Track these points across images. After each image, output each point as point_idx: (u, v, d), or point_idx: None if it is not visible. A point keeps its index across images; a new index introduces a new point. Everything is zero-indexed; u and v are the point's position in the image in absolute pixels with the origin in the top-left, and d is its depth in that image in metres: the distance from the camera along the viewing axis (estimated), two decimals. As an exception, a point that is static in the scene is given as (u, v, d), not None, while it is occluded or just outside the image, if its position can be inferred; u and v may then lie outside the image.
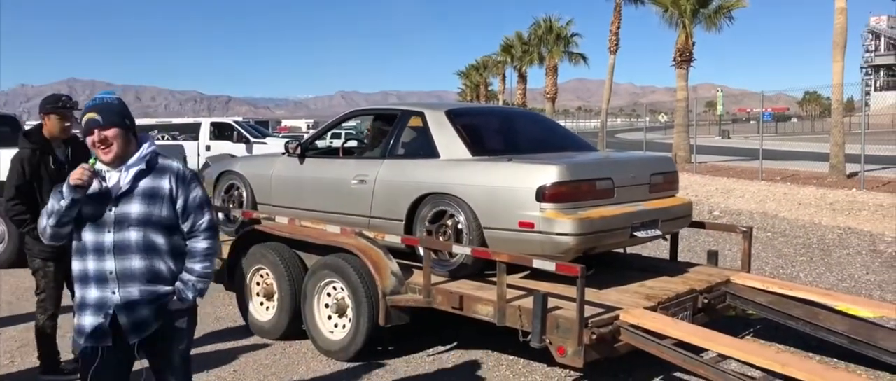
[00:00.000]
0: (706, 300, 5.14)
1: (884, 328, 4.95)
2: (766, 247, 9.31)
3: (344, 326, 5.32)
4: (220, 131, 21.44)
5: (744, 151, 28.63)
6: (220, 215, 6.83)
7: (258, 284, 5.96)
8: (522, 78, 44.00)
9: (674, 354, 4.18)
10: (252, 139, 20.94)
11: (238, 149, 19.81)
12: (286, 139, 24.22)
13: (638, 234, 4.98)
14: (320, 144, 7.05)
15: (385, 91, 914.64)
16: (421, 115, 5.65)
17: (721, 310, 5.33)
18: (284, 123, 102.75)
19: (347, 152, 6.42)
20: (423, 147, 5.52)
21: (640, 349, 4.36)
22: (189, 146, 20.41)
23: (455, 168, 5.16)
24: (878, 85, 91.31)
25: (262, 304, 5.94)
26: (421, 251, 5.13)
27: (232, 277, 6.12)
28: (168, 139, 23.06)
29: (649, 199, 5.26)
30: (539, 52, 39.61)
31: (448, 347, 5.55)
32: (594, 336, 4.25)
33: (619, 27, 29.89)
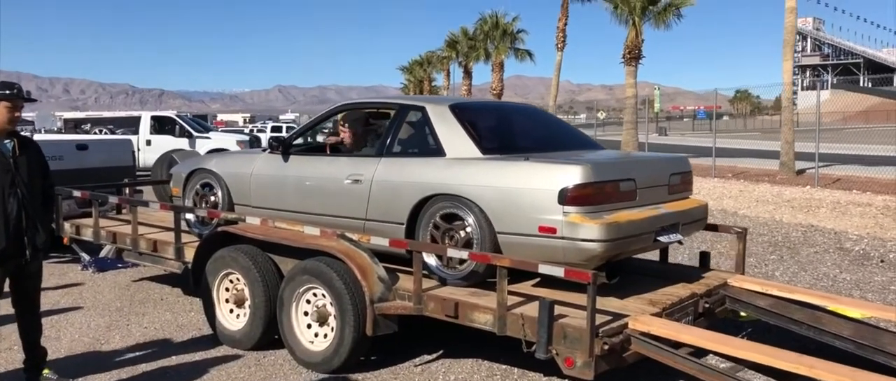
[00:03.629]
0: (707, 304, 4.95)
1: (889, 332, 4.84)
2: (733, 246, 9.24)
3: (325, 335, 4.95)
4: (160, 125, 20.69)
5: (689, 148, 28.98)
6: (191, 217, 6.32)
7: (227, 290, 5.54)
8: (468, 74, 43.80)
9: (690, 364, 3.96)
10: (195, 134, 20.27)
11: (180, 143, 19.11)
12: (231, 134, 23.64)
13: (661, 238, 4.70)
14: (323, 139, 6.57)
15: (323, 86, 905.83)
16: (422, 109, 5.27)
17: (719, 314, 5.15)
18: (220, 117, 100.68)
19: (335, 150, 5.97)
20: (427, 144, 5.14)
21: (652, 359, 4.13)
22: (127, 141, 19.59)
23: (464, 168, 4.77)
24: (804, 85, 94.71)
25: (231, 311, 5.52)
26: (424, 257, 4.80)
27: (198, 282, 5.68)
28: (105, 133, 22.11)
29: (668, 201, 4.98)
30: (485, 48, 39.46)
31: (435, 356, 5.24)
32: (606, 346, 4.00)
33: (566, 24, 29.93)
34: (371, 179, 5.13)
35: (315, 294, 4.99)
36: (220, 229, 5.65)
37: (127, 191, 8.07)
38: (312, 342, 5.00)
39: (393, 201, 5.01)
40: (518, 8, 41.93)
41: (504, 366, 5.02)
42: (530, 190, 4.42)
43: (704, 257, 5.73)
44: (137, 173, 10.37)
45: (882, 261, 8.56)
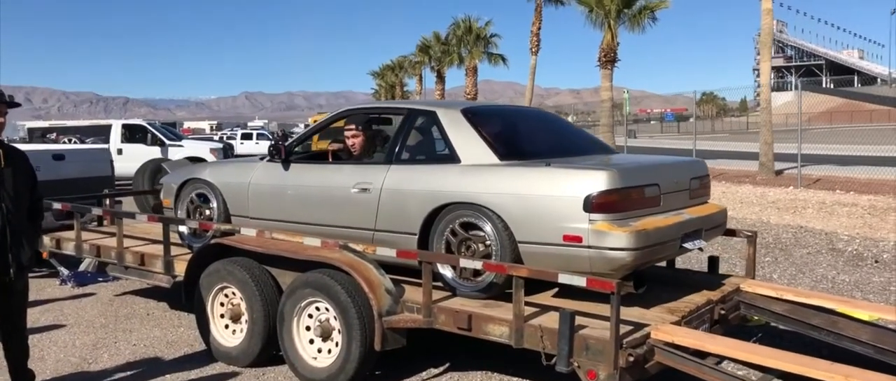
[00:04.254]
0: (722, 311, 4.82)
1: (907, 335, 4.74)
2: (725, 248, 9.15)
3: (329, 351, 4.74)
4: (131, 134, 20.23)
5: (664, 150, 29.14)
6: (184, 230, 6.05)
7: (222, 304, 5.30)
8: (441, 78, 43.69)
9: (719, 376, 3.81)
10: (167, 142, 19.87)
11: (153, 152, 18.72)
12: (209, 143, 23.18)
13: (686, 245, 4.54)
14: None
15: (291, 92, 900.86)
16: (432, 114, 5.07)
17: (733, 320, 5.03)
18: (187, 124, 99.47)
19: (337, 157, 5.73)
20: (440, 151, 4.95)
21: (678, 370, 3.99)
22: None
23: (481, 175, 4.57)
24: (770, 86, 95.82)
25: (227, 327, 5.29)
26: (439, 267, 4.61)
27: (190, 297, 5.43)
28: (74, 142, 21.57)
29: (690, 206, 4.83)
30: (459, 52, 39.35)
31: (442, 369, 5.06)
32: (630, 358, 3.84)
33: (540, 28, 29.93)
34: (380, 188, 4.91)
35: (318, 308, 4.77)
36: (214, 241, 5.41)
37: (107, 202, 7.77)
38: (316, 358, 4.78)
39: (405, 211, 4.79)
40: (489, 12, 41.96)
41: (515, 378, 4.86)
42: (553, 197, 4.22)
43: (713, 261, 5.61)
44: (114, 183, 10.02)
45: (877, 261, 8.55)
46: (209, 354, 5.32)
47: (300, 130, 63.20)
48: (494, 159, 4.62)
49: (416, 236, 4.72)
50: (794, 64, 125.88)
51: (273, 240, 5.20)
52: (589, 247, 4.08)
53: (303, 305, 4.80)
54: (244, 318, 5.13)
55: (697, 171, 5.07)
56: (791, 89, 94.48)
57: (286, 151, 5.49)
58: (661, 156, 7.81)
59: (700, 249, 4.72)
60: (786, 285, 6.22)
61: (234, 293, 5.19)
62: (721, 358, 4.00)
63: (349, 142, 5.56)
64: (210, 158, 19.45)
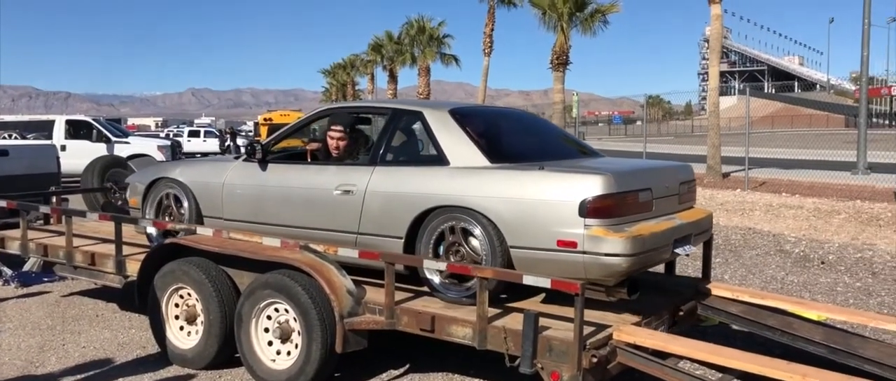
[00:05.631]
0: (681, 312, 4.90)
1: (857, 335, 4.89)
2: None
3: (289, 352, 4.67)
4: (76, 130, 19.67)
5: (614, 153, 29.58)
6: (152, 231, 5.84)
7: (177, 305, 5.18)
8: (393, 78, 43.56)
9: (680, 376, 3.86)
10: (113, 138, 19.39)
11: (98, 149, 18.23)
12: (162, 140, 22.64)
13: (677, 251, 4.52)
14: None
15: (238, 88, 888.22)
16: (418, 114, 4.96)
17: (691, 321, 5.11)
18: (131, 121, 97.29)
19: (315, 157, 5.58)
20: (427, 153, 4.85)
21: (639, 371, 4.03)
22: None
23: (471, 177, 4.47)
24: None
25: (182, 329, 5.17)
26: (426, 273, 4.54)
27: (143, 298, 5.30)
28: (15, 138, 20.90)
29: (679, 211, 4.81)
30: (412, 52, 39.29)
31: (402, 370, 5.02)
32: (593, 359, 3.87)
33: (492, 29, 30.12)
34: (364, 190, 4.79)
35: (277, 310, 4.70)
36: (168, 240, 5.28)
37: (54, 200, 7.53)
38: (274, 361, 4.70)
39: (390, 214, 4.68)
40: (442, 13, 42.02)
41: (476, 380, 4.84)
42: (547, 202, 4.14)
43: (670, 263, 5.67)
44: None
45: (823, 263, 8.78)
46: (163, 356, 5.19)
47: (248, 127, 62.38)
48: (485, 162, 4.53)
49: (403, 240, 4.61)
50: (737, 69, 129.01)
51: (231, 240, 5.10)
52: (584, 252, 4.02)
53: (262, 306, 4.72)
54: (200, 319, 5.02)
55: (686, 175, 5.04)
56: (734, 94, 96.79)
57: (263, 151, 5.34)
58: (650, 160, 7.83)
59: (687, 254, 4.74)
60: (739, 286, 6.33)
61: (189, 294, 5.08)
62: (682, 359, 4.05)
63: (331, 142, 5.38)
64: (158, 155, 19.07)
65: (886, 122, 50.32)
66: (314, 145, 5.70)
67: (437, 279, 4.56)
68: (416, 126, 5.07)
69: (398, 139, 5.11)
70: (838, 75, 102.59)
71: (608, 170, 4.25)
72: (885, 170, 15.45)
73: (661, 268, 5.84)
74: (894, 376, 4.26)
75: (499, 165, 4.52)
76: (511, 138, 5.29)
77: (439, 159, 4.68)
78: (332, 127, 5.38)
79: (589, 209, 4.01)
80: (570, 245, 4.05)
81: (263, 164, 5.36)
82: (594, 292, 4.30)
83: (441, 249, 4.53)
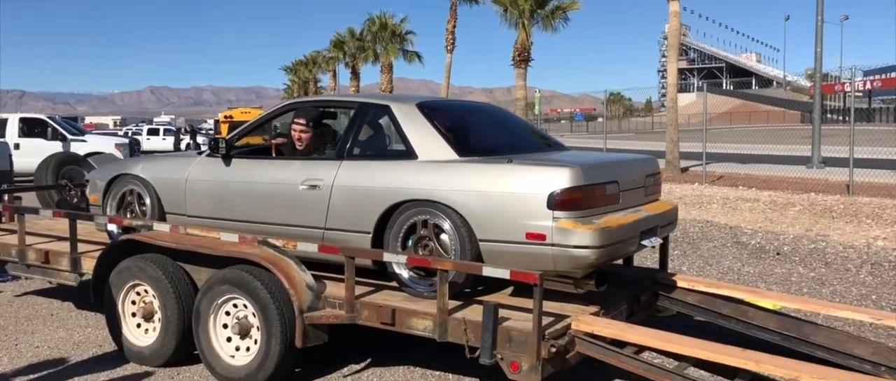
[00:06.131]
0: (638, 302, 4.97)
1: (811, 323, 5.00)
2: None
3: (248, 348, 4.63)
4: (30, 128, 19.25)
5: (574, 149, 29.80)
6: (113, 228, 5.68)
7: (134, 303, 5.11)
8: (355, 75, 43.37)
9: (637, 364, 3.92)
10: (69, 137, 19.03)
11: (53, 147, 17.87)
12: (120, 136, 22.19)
13: (644, 242, 4.56)
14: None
15: (198, 86, 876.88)
16: (386, 108, 4.93)
17: (648, 311, 5.19)
18: (88, 119, 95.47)
19: (280, 152, 5.51)
20: (395, 146, 4.82)
21: (597, 359, 4.07)
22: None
23: (440, 171, 4.46)
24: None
25: (139, 326, 5.09)
26: (395, 268, 4.53)
27: (99, 295, 5.21)
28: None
29: (645, 203, 4.86)
30: (374, 49, 39.15)
31: (364, 365, 5.01)
32: (552, 349, 3.90)
33: (455, 26, 30.11)
34: (331, 185, 4.75)
35: (236, 305, 4.65)
36: (124, 237, 5.20)
37: (6, 197, 7.37)
38: (233, 357, 4.66)
39: (358, 209, 4.64)
40: (404, 9, 41.89)
41: (437, 372, 4.86)
42: (516, 195, 4.16)
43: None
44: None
45: (778, 254, 8.96)
46: (120, 354, 5.11)
47: (209, 125, 61.62)
48: (453, 155, 4.53)
49: (371, 235, 4.59)
50: (696, 66, 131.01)
51: (188, 236, 5.04)
52: (553, 245, 4.04)
53: (220, 302, 4.67)
54: (157, 316, 4.96)
55: (651, 168, 5.10)
56: (693, 91, 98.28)
57: (227, 146, 5.27)
58: (616, 153, 7.92)
59: (654, 246, 4.79)
60: (695, 277, 6.44)
61: (146, 291, 5.01)
62: (639, 347, 4.11)
63: (296, 136, 5.32)
64: (116, 153, 18.74)
65: (840, 117, 51.44)
66: (279, 140, 5.65)
67: (405, 274, 4.56)
68: (384, 120, 5.04)
69: (365, 133, 5.08)
70: (794, 72, 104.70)
71: (576, 163, 4.28)
72: (838, 164, 15.79)
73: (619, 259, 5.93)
74: (844, 360, 4.37)
75: (467, 158, 4.52)
76: (479, 132, 5.29)
77: (407, 153, 4.67)
78: (296, 120, 5.33)
79: (557, 202, 4.04)
80: (538, 238, 4.07)
81: (227, 159, 5.30)
82: (563, 284, 4.36)
83: (410, 243, 4.52)
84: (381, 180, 4.61)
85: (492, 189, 4.24)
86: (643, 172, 4.93)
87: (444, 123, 4.80)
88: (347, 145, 4.92)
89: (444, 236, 4.40)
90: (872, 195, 12.50)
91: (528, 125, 6.32)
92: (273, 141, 5.75)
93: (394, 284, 4.67)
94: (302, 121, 5.30)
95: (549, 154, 5.07)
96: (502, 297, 4.53)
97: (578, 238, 4.02)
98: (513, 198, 4.17)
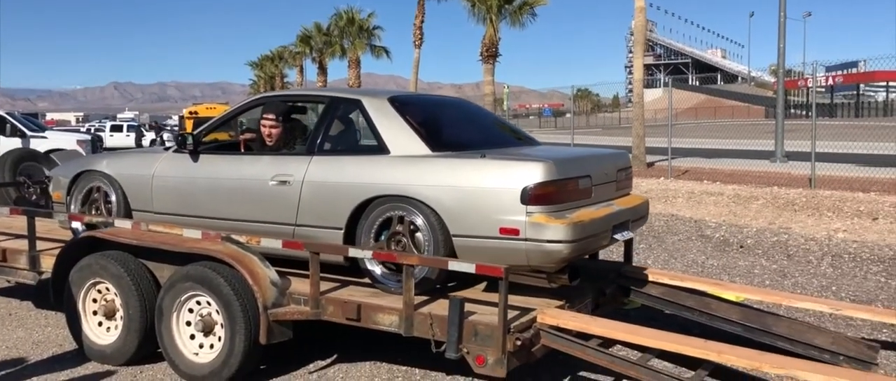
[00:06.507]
0: (603, 295, 5.00)
1: (772, 314, 5.08)
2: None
3: (212, 346, 4.57)
4: (-15, 124, 18.84)
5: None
6: (78, 225, 5.55)
7: (95, 301, 5.02)
8: (322, 70, 43.14)
9: (601, 356, 3.95)
10: (29, 133, 18.66)
11: (12, 143, 17.50)
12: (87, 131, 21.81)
13: (616, 237, 4.57)
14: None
15: (163, 82, 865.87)
16: (357, 102, 4.87)
17: (613, 304, 5.22)
18: (50, 116, 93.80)
19: (249, 148, 5.43)
20: (366, 141, 4.77)
21: (562, 352, 4.09)
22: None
23: (412, 166, 4.42)
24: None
25: (100, 325, 5.01)
26: (367, 265, 4.49)
27: (59, 294, 5.11)
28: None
29: (617, 197, 4.87)
30: (341, 44, 38.96)
31: (330, 361, 4.98)
32: (518, 342, 3.91)
33: (423, 21, 30.11)
34: (301, 181, 4.69)
35: (199, 302, 4.59)
36: (85, 233, 5.11)
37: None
38: (197, 354, 4.60)
39: (329, 205, 4.59)
40: (371, 4, 41.83)
41: (404, 367, 4.84)
42: (490, 190, 4.14)
43: (594, 248, 5.78)
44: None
45: (741, 247, 9.09)
46: (81, 353, 5.03)
47: (174, 121, 60.87)
48: (426, 150, 4.49)
49: (343, 231, 4.54)
50: (662, 62, 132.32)
51: (150, 232, 4.96)
52: (526, 240, 4.03)
53: (183, 299, 4.61)
54: (119, 314, 4.88)
55: (622, 163, 5.10)
56: (660, 86, 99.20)
57: (195, 141, 5.18)
58: (587, 148, 7.96)
59: (625, 240, 4.80)
60: (660, 270, 6.50)
61: (108, 289, 4.92)
62: (604, 340, 4.13)
63: (265, 131, 5.24)
64: (78, 150, 18.42)
65: (804, 113, 52.33)
66: (248, 135, 5.57)
67: (378, 271, 4.52)
68: (355, 115, 5.00)
69: (336, 128, 5.03)
70: (759, 68, 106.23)
71: (549, 157, 4.27)
72: (800, 158, 16.06)
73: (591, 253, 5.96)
74: (804, 350, 4.45)
75: (440, 153, 4.49)
76: (451, 126, 5.27)
77: (379, 148, 4.63)
78: (265, 115, 5.26)
79: (531, 196, 4.03)
80: (512, 233, 4.06)
81: (195, 155, 5.22)
82: (533, 278, 4.36)
83: (383, 238, 4.49)
84: (353, 176, 4.56)
85: (465, 184, 4.23)
86: (615, 166, 4.95)
87: (416, 117, 4.76)
88: (318, 140, 4.88)
89: (418, 232, 4.36)
90: (834, 189, 12.73)
91: (499, 120, 6.33)
92: (241, 137, 5.68)
93: (362, 279, 4.64)
94: (271, 116, 5.23)
95: (522, 149, 5.07)
96: (476, 292, 4.53)
97: (552, 233, 4.02)
98: (486, 193, 4.16)
